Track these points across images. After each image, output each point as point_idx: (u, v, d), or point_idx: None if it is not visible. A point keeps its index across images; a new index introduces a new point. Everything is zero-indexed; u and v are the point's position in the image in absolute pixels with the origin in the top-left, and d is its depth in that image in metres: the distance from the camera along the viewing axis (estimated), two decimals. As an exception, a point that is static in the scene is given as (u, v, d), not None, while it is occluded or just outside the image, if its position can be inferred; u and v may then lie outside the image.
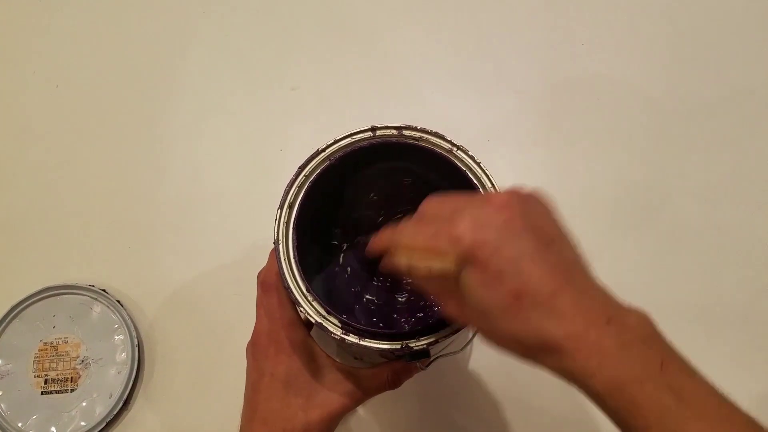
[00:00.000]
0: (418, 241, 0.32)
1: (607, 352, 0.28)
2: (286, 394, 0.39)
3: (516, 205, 0.31)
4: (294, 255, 0.39)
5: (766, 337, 0.55)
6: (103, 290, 0.54)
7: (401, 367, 0.42)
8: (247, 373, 0.41)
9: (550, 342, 0.29)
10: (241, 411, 0.41)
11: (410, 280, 0.35)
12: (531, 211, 0.32)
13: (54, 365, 0.53)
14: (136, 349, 0.53)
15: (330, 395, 0.39)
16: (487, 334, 0.32)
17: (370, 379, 0.41)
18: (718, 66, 0.63)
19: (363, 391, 0.40)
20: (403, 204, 0.49)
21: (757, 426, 0.28)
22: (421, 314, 0.46)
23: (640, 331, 0.29)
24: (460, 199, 0.33)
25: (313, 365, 0.40)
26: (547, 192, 0.33)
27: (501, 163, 0.58)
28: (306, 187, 0.40)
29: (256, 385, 0.40)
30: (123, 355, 0.53)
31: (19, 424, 0.51)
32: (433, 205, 0.34)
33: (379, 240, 0.36)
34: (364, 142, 0.40)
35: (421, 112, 0.62)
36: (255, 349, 0.40)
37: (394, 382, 0.41)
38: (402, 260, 0.33)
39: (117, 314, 0.54)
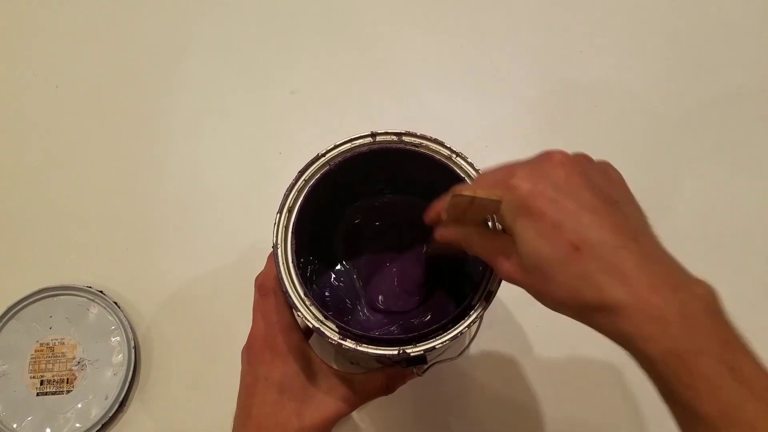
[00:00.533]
0: (469, 195, 0.31)
1: (669, 319, 0.27)
2: (280, 399, 0.38)
3: (577, 164, 0.31)
4: (293, 259, 0.39)
5: (763, 346, 0.55)
6: (101, 291, 0.54)
7: (395, 372, 0.41)
8: (241, 377, 0.41)
9: (608, 301, 0.28)
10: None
11: (463, 246, 0.35)
12: (594, 173, 0.32)
13: (50, 366, 0.53)
14: (133, 351, 0.53)
15: (324, 400, 0.39)
16: (541, 292, 0.31)
17: (364, 384, 0.40)
18: (716, 73, 0.64)
19: (357, 397, 0.40)
20: (401, 210, 0.49)
21: None
22: (418, 320, 0.46)
23: (705, 304, 0.28)
24: (517, 161, 0.33)
25: (308, 370, 0.39)
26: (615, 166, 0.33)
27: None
28: (305, 191, 0.40)
29: (250, 390, 0.39)
30: (119, 357, 0.53)
31: (14, 425, 0.51)
32: (490, 169, 0.34)
33: (435, 205, 0.36)
34: (364, 148, 0.41)
35: (420, 117, 0.62)
36: (250, 352, 0.40)
37: (388, 388, 0.41)
38: (456, 209, 0.32)
39: (114, 316, 0.54)
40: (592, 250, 0.28)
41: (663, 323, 0.27)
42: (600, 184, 0.31)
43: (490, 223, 0.38)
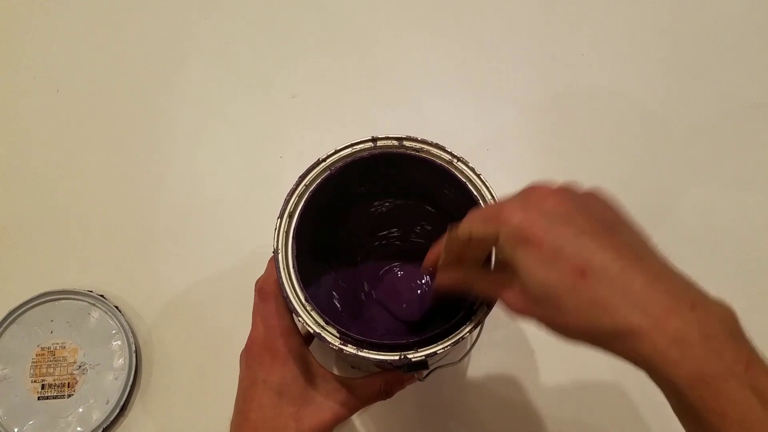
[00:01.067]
0: (466, 233, 0.31)
1: (691, 341, 0.26)
2: (278, 403, 0.38)
3: (564, 193, 0.31)
4: (293, 264, 0.39)
5: (765, 348, 0.55)
6: (101, 296, 0.54)
7: (394, 377, 0.41)
8: (239, 381, 0.41)
9: (625, 326, 0.27)
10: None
11: (465, 288, 0.35)
12: (584, 201, 0.31)
13: (51, 370, 0.53)
14: (134, 355, 0.53)
15: (322, 405, 0.39)
16: (553, 322, 0.30)
17: (363, 388, 0.40)
18: (716, 77, 0.64)
19: (355, 401, 0.40)
20: (402, 214, 0.49)
21: None
22: (420, 325, 0.46)
23: (725, 324, 0.27)
24: (503, 198, 0.33)
25: (306, 374, 0.39)
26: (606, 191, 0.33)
27: (500, 173, 0.58)
28: (306, 196, 0.40)
29: (247, 393, 0.39)
30: (120, 361, 0.53)
31: (16, 430, 0.51)
32: (475, 212, 0.34)
33: (432, 250, 0.36)
34: (365, 153, 0.41)
35: (421, 121, 0.62)
36: (249, 356, 0.40)
37: (386, 392, 0.41)
38: (453, 249, 0.32)
39: (115, 320, 0.54)
40: (599, 273, 0.27)
41: (684, 345, 0.26)
42: (591, 210, 0.30)
43: (492, 261, 0.38)
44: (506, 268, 0.31)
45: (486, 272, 0.34)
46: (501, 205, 0.32)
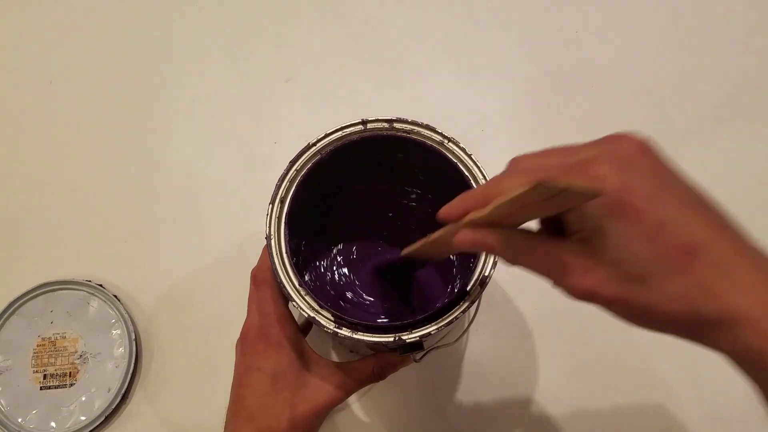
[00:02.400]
0: (562, 183, 0.22)
1: None
2: (272, 389, 0.38)
3: (657, 151, 0.26)
4: (286, 249, 0.39)
5: None
6: (100, 285, 0.55)
7: (386, 359, 0.41)
8: (234, 368, 0.41)
9: (733, 311, 0.24)
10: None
11: (499, 255, 0.28)
12: (671, 164, 0.27)
13: (52, 360, 0.53)
14: (134, 343, 0.53)
15: (316, 389, 0.39)
16: (641, 307, 0.25)
17: (356, 371, 0.40)
18: (715, 53, 0.63)
19: (348, 385, 0.40)
20: (393, 198, 0.48)
21: None
22: (415, 307, 0.46)
23: None
24: (576, 145, 0.27)
25: (301, 361, 0.40)
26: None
27: (496, 153, 0.58)
28: (297, 181, 0.40)
29: (242, 380, 0.39)
30: (121, 350, 0.53)
31: (19, 420, 0.52)
32: (537, 153, 0.27)
33: (463, 200, 0.28)
34: (355, 136, 0.40)
35: (415, 103, 0.62)
36: (244, 343, 0.40)
37: (379, 375, 0.41)
38: (513, 206, 0.25)
39: (114, 309, 0.54)
40: (709, 255, 0.24)
41: None
42: (681, 175, 0.26)
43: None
44: (559, 239, 0.26)
45: (534, 241, 0.27)
46: (587, 156, 0.26)
